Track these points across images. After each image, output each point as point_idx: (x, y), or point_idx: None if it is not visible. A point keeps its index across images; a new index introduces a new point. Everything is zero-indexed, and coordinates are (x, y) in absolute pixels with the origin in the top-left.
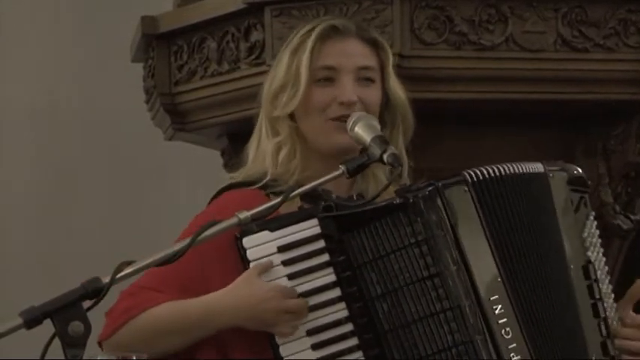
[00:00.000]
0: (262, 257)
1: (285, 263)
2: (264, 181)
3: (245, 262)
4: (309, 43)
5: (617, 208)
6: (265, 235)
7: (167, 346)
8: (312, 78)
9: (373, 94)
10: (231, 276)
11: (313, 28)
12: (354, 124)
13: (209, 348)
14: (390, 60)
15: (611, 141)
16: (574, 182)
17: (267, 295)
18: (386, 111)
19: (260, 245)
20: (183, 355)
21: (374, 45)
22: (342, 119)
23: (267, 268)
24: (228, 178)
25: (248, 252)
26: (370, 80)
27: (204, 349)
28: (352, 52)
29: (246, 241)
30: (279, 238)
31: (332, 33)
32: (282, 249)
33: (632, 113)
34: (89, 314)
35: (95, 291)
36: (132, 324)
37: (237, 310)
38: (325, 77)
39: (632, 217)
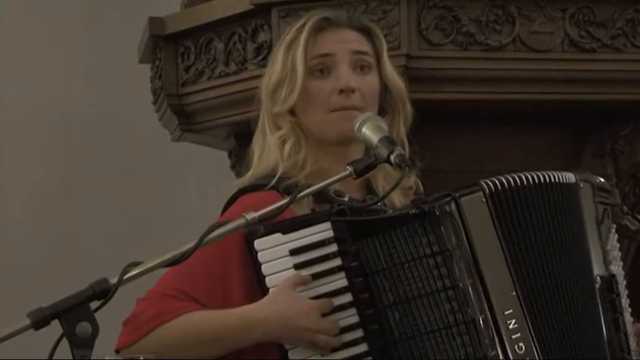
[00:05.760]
0: (274, 260)
1: (297, 267)
2: (276, 178)
3: (257, 265)
4: (303, 36)
5: (625, 208)
6: (277, 237)
7: (197, 355)
8: (309, 70)
9: (371, 82)
10: (249, 272)
11: (305, 23)
12: (361, 125)
13: None
14: (385, 48)
15: (620, 141)
16: (600, 193)
17: (305, 311)
18: (385, 99)
19: (272, 248)
20: None
21: (367, 33)
22: (345, 109)
23: (303, 282)
24: (236, 179)
25: (259, 254)
26: (367, 68)
27: None
28: (346, 39)
29: (258, 244)
30: (292, 241)
31: (325, 25)
32: (294, 252)
33: None
34: (97, 315)
35: (103, 292)
36: (163, 330)
37: (274, 323)
38: (321, 68)
39: None
